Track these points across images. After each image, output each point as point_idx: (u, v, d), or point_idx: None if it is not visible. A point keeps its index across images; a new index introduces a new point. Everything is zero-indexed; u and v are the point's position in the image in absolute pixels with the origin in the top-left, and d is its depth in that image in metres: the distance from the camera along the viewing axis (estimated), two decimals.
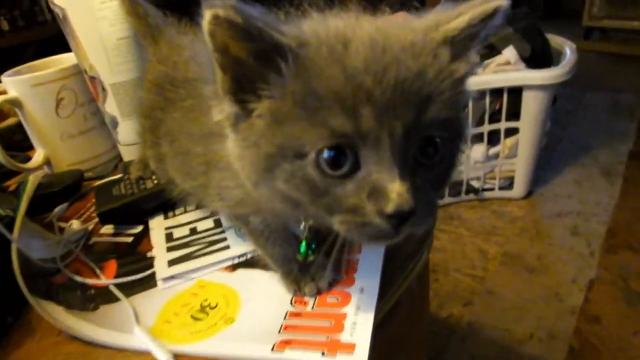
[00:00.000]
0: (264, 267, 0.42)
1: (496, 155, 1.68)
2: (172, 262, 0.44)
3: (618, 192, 1.77)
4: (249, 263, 0.44)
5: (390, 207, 0.24)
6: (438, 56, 0.27)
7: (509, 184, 1.77)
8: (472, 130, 1.59)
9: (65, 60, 0.69)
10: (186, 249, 0.46)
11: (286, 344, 0.34)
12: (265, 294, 0.40)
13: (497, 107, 1.56)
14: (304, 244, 0.38)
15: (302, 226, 0.38)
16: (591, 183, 1.84)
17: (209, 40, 0.25)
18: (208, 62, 0.27)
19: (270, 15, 0.27)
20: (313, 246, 0.38)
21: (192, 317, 0.38)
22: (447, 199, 1.79)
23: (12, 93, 0.64)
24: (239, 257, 0.44)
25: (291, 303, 0.38)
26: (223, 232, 0.48)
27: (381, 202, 0.25)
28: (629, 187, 1.78)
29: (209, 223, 0.50)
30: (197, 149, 0.37)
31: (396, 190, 0.24)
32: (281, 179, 0.27)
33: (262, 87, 0.27)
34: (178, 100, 0.41)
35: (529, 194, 1.80)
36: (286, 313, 0.37)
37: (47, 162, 0.67)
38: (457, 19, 0.28)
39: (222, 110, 0.29)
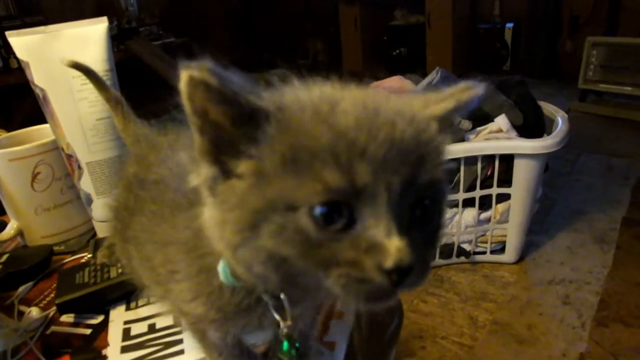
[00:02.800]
0: None
1: (488, 220, 1.67)
2: None
3: (611, 260, 1.75)
4: None
5: (390, 262, 0.23)
6: (429, 125, 0.28)
7: (500, 248, 1.76)
8: (463, 195, 1.59)
9: (45, 132, 0.69)
10: (140, 351, 0.44)
11: None
12: None
13: (489, 172, 1.57)
14: (285, 343, 0.35)
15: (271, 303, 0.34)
16: (584, 250, 1.82)
17: (187, 103, 0.24)
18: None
19: (250, 80, 0.26)
20: (297, 344, 0.36)
21: None
22: (437, 261, 1.78)
23: None
24: None
25: None
26: (181, 332, 0.46)
27: (380, 257, 0.24)
28: (622, 256, 1.76)
29: (169, 320, 0.48)
30: (158, 258, 0.36)
31: (395, 245, 0.24)
32: (268, 234, 0.25)
33: (243, 148, 0.26)
34: (145, 203, 0.40)
35: (520, 259, 1.78)
36: None
37: (20, 233, 0.67)
38: (444, 103, 0.30)
39: (199, 174, 0.28)
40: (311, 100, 0.27)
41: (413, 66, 1.83)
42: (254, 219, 0.26)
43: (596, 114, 3.11)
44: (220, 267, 0.31)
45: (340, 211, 0.25)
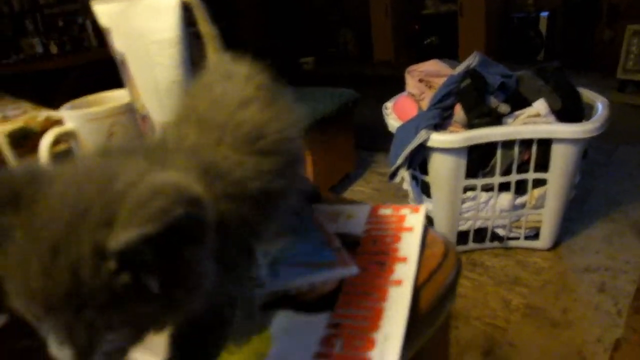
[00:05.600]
0: (292, 307, 0.45)
1: (523, 205, 1.68)
2: None
3: None
4: (276, 303, 0.46)
5: None
6: (99, 266, 0.25)
7: (534, 234, 1.76)
8: (499, 179, 1.60)
9: (117, 97, 0.74)
10: None
11: None
12: (293, 332, 0.42)
13: (526, 157, 1.57)
14: None
15: None
16: (620, 239, 1.80)
17: None
18: None
19: None
20: None
21: (226, 351, 0.41)
22: (471, 245, 1.79)
23: (70, 125, 0.69)
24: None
25: (319, 343, 0.41)
26: None
27: (57, 355, 0.26)
28: None
29: None
30: None
31: (64, 354, 0.26)
32: None
33: None
34: None
35: (555, 246, 1.78)
36: (314, 353, 0.40)
37: None
38: (120, 236, 0.24)
39: None
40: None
41: (445, 56, 1.82)
42: None
43: (635, 104, 3.04)
44: None
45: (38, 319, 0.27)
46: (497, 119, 1.55)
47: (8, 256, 0.26)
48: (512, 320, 1.49)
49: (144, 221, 0.24)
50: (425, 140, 1.50)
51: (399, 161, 1.53)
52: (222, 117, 0.38)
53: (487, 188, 1.64)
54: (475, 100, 1.54)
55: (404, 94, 1.85)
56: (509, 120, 1.57)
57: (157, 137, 0.37)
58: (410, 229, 0.55)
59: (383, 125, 1.76)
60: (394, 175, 1.59)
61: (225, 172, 0.35)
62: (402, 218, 0.58)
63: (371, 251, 0.53)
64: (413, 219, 0.57)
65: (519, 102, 1.58)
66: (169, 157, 0.33)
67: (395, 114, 1.75)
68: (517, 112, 1.56)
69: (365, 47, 5.09)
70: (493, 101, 1.56)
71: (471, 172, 1.60)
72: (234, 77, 0.45)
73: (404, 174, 1.71)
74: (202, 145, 0.36)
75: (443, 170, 1.58)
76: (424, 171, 1.67)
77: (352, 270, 0.49)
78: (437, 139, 1.51)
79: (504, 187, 1.64)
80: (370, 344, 0.40)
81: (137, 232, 0.24)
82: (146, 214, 0.24)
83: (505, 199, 1.66)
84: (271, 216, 0.41)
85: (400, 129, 1.61)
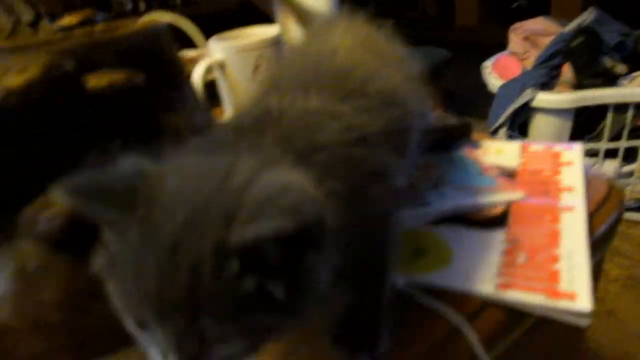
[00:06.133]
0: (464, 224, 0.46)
1: (629, 174, 1.59)
2: None
3: None
4: (451, 219, 0.48)
5: None
6: (223, 265, 0.23)
7: (638, 206, 1.67)
8: (606, 145, 1.52)
9: (263, 32, 0.77)
10: None
11: (506, 286, 0.38)
12: (471, 245, 0.44)
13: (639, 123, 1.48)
14: None
15: None
16: None
17: None
18: None
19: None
20: None
21: (408, 257, 0.43)
22: None
23: (219, 56, 0.73)
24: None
25: (501, 254, 0.42)
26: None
27: None
28: None
29: None
30: None
31: None
32: None
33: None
34: None
35: None
36: (498, 262, 0.41)
37: None
38: (243, 232, 0.23)
39: None
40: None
41: None
42: None
43: None
44: None
45: (144, 326, 0.25)
46: (611, 80, 1.46)
47: (119, 255, 0.25)
48: (611, 291, 1.44)
49: (274, 217, 0.22)
50: (530, 100, 1.45)
51: (501, 120, 1.49)
52: (327, 70, 0.37)
53: (592, 153, 1.56)
54: (587, 60, 1.46)
55: (506, 52, 1.78)
56: (625, 81, 1.47)
57: (260, 106, 0.34)
58: (569, 163, 0.55)
59: (467, 90, 1.70)
60: (494, 134, 1.55)
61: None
62: (557, 154, 0.57)
63: (532, 181, 0.53)
64: (569, 155, 0.56)
65: (638, 62, 1.47)
66: (272, 135, 0.30)
67: (495, 72, 1.69)
68: (634, 74, 1.46)
69: (447, 11, 4.89)
70: (608, 61, 1.46)
71: (576, 136, 1.52)
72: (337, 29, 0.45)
73: (502, 135, 1.66)
74: (312, 110, 0.33)
75: (546, 132, 1.52)
76: (523, 133, 1.61)
77: (518, 194, 0.50)
78: (544, 98, 1.44)
79: (610, 153, 1.55)
80: (553, 259, 0.41)
81: (267, 228, 0.22)
82: (276, 211, 0.23)
83: (610, 166, 1.57)
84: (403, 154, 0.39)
85: (502, 87, 1.56)
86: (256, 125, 0.31)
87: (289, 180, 0.25)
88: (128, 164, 0.26)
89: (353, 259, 0.29)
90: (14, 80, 0.30)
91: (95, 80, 0.33)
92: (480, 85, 1.73)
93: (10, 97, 0.29)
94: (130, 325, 0.26)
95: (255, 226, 0.22)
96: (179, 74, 0.42)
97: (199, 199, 0.24)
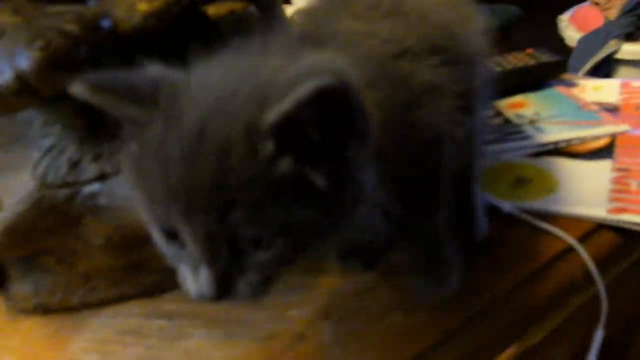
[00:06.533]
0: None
1: None
2: None
3: None
4: (551, 152, 0.47)
5: (192, 293, 0.24)
6: (257, 146, 0.21)
7: None
8: None
9: None
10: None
11: (619, 211, 0.37)
12: (579, 173, 0.43)
13: None
14: None
15: None
16: None
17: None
18: None
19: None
20: None
21: (510, 185, 0.43)
22: None
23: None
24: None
25: (611, 182, 0.41)
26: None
27: (190, 284, 0.24)
28: None
29: None
30: None
31: (201, 279, 0.23)
32: None
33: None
34: None
35: None
36: (610, 189, 0.40)
37: None
38: (277, 106, 0.21)
39: None
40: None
41: None
42: None
43: None
44: None
45: (173, 235, 0.24)
46: None
47: (142, 153, 0.23)
48: None
49: (310, 81, 0.19)
50: (614, 52, 1.36)
51: (581, 73, 1.41)
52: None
53: None
54: None
55: (585, 4, 1.67)
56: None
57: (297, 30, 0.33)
58: None
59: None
60: None
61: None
62: None
63: (636, 115, 0.50)
64: None
65: None
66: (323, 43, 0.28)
67: (574, 25, 1.59)
68: None
69: None
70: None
71: None
72: None
73: None
74: (350, 30, 0.31)
75: None
76: None
77: (623, 127, 0.48)
78: (630, 49, 1.35)
79: None
80: None
81: (303, 92, 0.19)
82: (312, 74, 0.20)
83: None
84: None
85: (582, 39, 1.47)
86: (292, 42, 0.30)
87: (323, 59, 0.23)
88: (153, 67, 0.25)
89: (402, 180, 0.27)
90: (147, 6, 0.32)
91: (215, 9, 0.35)
92: (556, 39, 1.64)
93: (150, 19, 0.31)
94: (157, 238, 0.25)
95: (290, 97, 0.20)
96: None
97: (228, 87, 0.22)
